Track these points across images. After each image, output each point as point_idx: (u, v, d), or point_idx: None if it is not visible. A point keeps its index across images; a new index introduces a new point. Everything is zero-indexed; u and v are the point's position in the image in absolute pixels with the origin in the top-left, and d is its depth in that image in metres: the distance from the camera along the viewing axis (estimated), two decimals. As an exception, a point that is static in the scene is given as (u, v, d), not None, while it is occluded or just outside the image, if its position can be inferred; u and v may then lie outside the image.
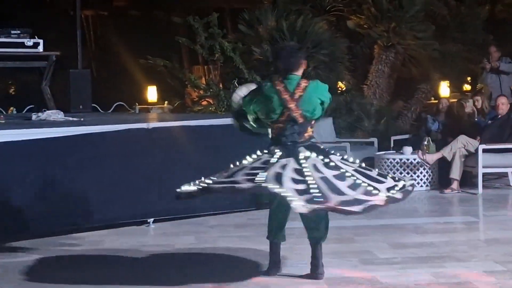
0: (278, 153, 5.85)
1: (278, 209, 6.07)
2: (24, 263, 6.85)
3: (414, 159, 10.54)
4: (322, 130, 11.48)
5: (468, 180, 10.67)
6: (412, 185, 5.95)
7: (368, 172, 5.86)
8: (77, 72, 11.27)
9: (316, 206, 5.42)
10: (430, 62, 13.75)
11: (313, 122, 6.01)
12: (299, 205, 5.39)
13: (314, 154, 5.83)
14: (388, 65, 13.76)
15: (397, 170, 10.54)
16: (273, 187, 5.48)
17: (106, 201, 7.98)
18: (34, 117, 9.45)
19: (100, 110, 11.74)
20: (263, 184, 5.50)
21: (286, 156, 5.81)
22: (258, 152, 5.95)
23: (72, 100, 10.60)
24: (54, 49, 10.63)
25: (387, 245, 7.24)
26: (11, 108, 12.32)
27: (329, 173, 5.69)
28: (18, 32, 10.23)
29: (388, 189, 5.72)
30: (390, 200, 5.68)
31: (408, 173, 10.53)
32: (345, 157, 6.03)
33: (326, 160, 5.81)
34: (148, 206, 8.22)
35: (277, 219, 6.14)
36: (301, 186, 5.53)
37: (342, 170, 5.74)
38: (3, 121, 9.05)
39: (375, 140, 11.77)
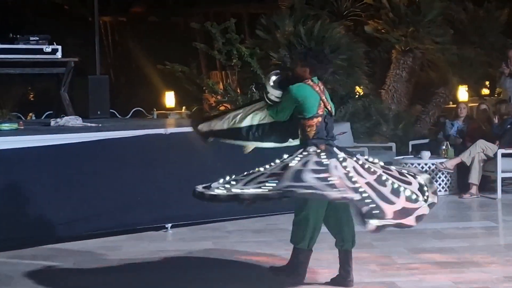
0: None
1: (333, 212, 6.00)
2: (43, 269, 6.87)
3: (433, 164, 10.50)
4: (341, 135, 11.46)
5: (487, 184, 10.61)
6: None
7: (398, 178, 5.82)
8: (96, 78, 11.31)
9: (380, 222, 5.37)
10: (448, 67, 13.69)
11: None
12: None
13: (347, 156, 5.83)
14: (406, 70, 13.72)
15: (416, 175, 10.50)
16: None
17: (124, 206, 8.00)
18: (52, 123, 9.49)
19: (118, 116, 11.77)
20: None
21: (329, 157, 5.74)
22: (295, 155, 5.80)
23: (90, 106, 10.63)
24: (72, 55, 10.67)
25: (406, 251, 7.21)
26: (30, 114, 12.39)
27: (371, 178, 5.67)
28: (37, 38, 10.28)
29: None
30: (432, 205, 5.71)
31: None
32: (370, 159, 6.03)
33: (361, 163, 5.81)
34: (166, 211, 8.22)
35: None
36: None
37: (378, 174, 5.74)
38: (22, 127, 9.09)
39: (393, 145, 11.74)
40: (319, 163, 5.64)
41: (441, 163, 10.41)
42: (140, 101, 14.42)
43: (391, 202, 5.53)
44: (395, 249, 7.26)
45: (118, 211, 7.97)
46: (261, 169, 5.84)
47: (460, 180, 10.57)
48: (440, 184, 10.51)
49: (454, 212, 9.61)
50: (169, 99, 15.84)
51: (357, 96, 13.17)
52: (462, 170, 10.45)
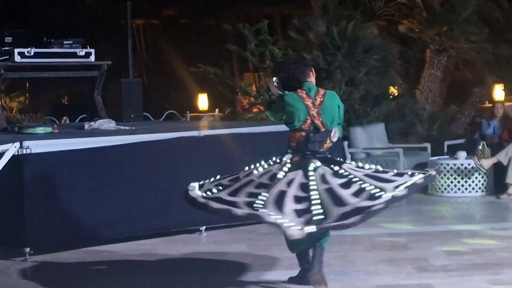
0: (288, 165, 5.75)
1: None
2: (78, 271, 6.90)
3: (469, 164, 10.38)
4: (375, 136, 11.37)
5: (524, 185, 10.48)
6: (426, 177, 5.67)
7: (381, 175, 5.69)
8: (129, 81, 11.33)
9: (314, 227, 5.30)
10: (483, 66, 13.55)
11: (332, 132, 5.89)
12: (295, 230, 5.29)
13: (323, 164, 5.73)
14: (441, 69, 13.60)
15: (451, 175, 10.40)
16: (270, 214, 5.37)
17: (158, 209, 8.00)
18: (86, 126, 9.52)
19: (152, 119, 11.78)
20: (260, 211, 5.40)
21: (295, 169, 5.72)
22: (270, 161, 5.86)
23: (123, 109, 10.65)
24: (105, 59, 10.70)
25: (442, 252, 7.14)
26: (64, 117, 12.44)
27: (335, 182, 5.58)
28: (71, 42, 10.31)
29: (397, 187, 5.52)
30: (393, 200, 5.47)
31: (462, 178, 10.39)
32: (360, 164, 5.92)
33: (336, 168, 5.71)
34: (200, 214, 8.18)
35: None
36: (303, 205, 5.46)
37: (350, 177, 5.63)
38: (57, 131, 9.13)
39: (428, 145, 11.62)
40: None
41: (477, 159, 10.26)
42: (173, 103, 14.42)
43: (343, 204, 5.41)
44: (432, 251, 7.19)
45: (152, 214, 7.97)
46: (247, 174, 5.80)
47: (497, 180, 10.45)
48: (476, 185, 10.40)
49: (491, 212, 9.51)
50: (202, 101, 15.83)
51: (391, 96, 13.08)
52: (499, 170, 10.34)
